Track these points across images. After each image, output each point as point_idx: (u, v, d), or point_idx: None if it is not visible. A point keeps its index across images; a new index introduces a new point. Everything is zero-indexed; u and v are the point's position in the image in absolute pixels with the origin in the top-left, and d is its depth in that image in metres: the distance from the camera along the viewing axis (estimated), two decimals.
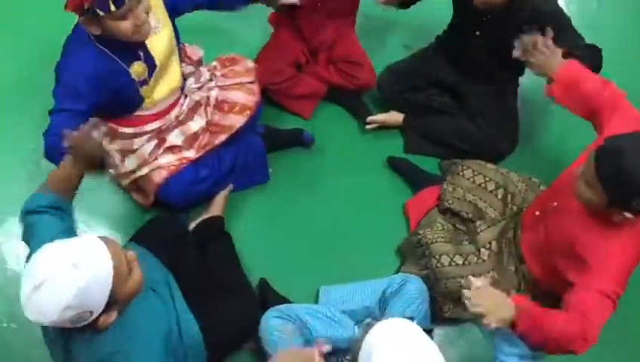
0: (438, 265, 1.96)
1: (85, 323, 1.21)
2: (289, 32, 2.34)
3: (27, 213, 1.50)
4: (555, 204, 1.75)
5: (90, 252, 1.21)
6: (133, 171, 1.98)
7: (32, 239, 1.43)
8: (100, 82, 1.69)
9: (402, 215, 2.32)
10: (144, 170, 2.00)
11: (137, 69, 1.78)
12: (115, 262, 1.22)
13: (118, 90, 1.76)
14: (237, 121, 2.06)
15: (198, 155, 2.03)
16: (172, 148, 2.02)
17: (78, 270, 1.17)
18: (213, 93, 2.06)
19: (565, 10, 2.85)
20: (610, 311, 1.53)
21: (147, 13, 1.65)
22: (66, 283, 1.16)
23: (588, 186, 1.48)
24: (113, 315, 1.26)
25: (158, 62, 1.82)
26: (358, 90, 2.47)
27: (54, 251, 1.20)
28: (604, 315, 1.51)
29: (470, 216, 2.06)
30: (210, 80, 2.08)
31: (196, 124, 2.01)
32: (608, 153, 1.43)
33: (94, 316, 1.21)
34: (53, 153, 1.67)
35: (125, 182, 2.04)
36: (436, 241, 2.01)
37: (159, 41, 1.80)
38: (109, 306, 1.23)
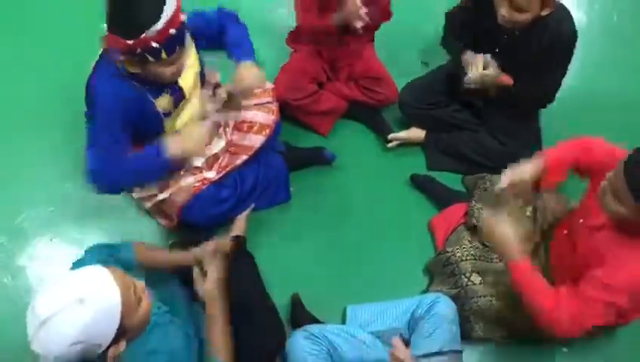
0: (469, 283, 1.92)
1: (94, 356, 1.18)
2: (308, 50, 2.35)
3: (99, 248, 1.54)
4: (582, 221, 1.71)
5: (97, 285, 1.17)
6: (156, 194, 1.98)
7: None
8: (125, 108, 1.70)
9: (427, 232, 2.29)
10: (166, 193, 1.99)
11: (163, 101, 1.79)
12: (122, 293, 1.19)
13: (140, 120, 1.77)
14: (256, 140, 2.05)
15: (219, 176, 2.02)
16: (193, 170, 2.02)
17: (83, 306, 1.13)
18: (232, 114, 2.06)
19: (585, 20, 2.91)
20: (601, 316, 1.53)
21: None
22: (72, 320, 1.13)
23: (617, 199, 1.45)
24: (122, 345, 1.23)
25: (187, 93, 1.84)
26: (379, 106, 2.47)
27: (59, 285, 1.17)
28: (587, 312, 1.53)
29: None
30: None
31: (216, 145, 2.01)
32: (638, 164, 1.40)
33: (103, 348, 1.19)
34: (115, 186, 1.81)
35: (148, 205, 2.04)
36: (466, 259, 1.98)
37: (188, 73, 1.81)
38: (117, 337, 1.20)
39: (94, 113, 1.71)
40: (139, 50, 1.54)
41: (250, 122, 2.08)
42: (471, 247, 2.02)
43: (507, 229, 1.66)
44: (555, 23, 1.93)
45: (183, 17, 1.59)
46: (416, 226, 2.31)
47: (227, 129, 2.06)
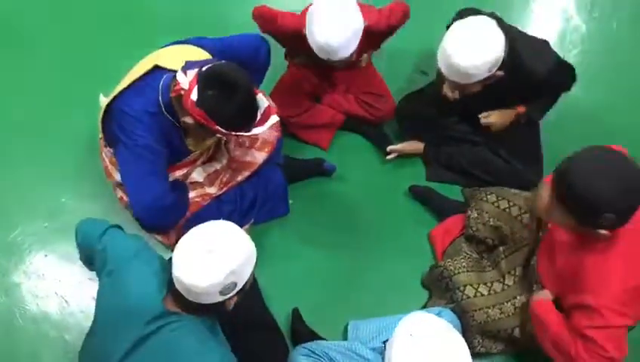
0: (464, 297, 1.91)
1: (230, 294, 1.36)
2: (305, 65, 2.32)
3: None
4: (553, 236, 1.73)
5: (248, 236, 1.42)
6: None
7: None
8: (166, 143, 1.75)
9: (428, 244, 2.27)
10: None
11: (193, 141, 1.85)
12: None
13: (171, 152, 1.80)
14: (259, 157, 2.04)
15: (220, 192, 2.00)
16: (194, 185, 2.00)
17: (245, 241, 1.38)
18: None
19: (584, 29, 2.90)
20: (617, 329, 1.52)
21: None
22: (238, 250, 1.35)
23: (560, 211, 1.50)
24: (233, 301, 1.41)
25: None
26: (378, 122, 2.45)
27: (225, 224, 1.40)
28: (607, 337, 1.52)
29: (495, 242, 2.01)
30: None
31: (218, 162, 2.00)
32: (560, 176, 1.46)
33: (236, 290, 1.37)
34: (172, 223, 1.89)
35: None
36: (458, 272, 1.96)
37: None
38: (245, 285, 1.40)
39: (138, 144, 1.72)
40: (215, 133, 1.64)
41: (253, 138, 2.06)
42: (463, 259, 2.01)
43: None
44: (527, 66, 1.92)
45: (274, 118, 1.68)
46: (416, 238, 2.29)
47: (229, 145, 2.04)
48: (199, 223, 1.92)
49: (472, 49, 1.79)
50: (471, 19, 1.85)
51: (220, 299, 1.36)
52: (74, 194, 2.30)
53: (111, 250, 1.53)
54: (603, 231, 1.46)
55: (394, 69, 2.61)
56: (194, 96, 1.56)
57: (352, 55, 1.96)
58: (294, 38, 2.03)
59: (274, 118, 1.63)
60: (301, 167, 2.35)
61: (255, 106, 1.63)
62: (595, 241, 1.53)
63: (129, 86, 1.73)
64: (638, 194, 1.42)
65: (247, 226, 2.13)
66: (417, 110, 2.35)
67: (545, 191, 1.53)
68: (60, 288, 2.13)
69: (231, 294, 1.37)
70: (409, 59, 2.72)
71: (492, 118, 2.12)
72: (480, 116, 2.12)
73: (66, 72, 2.60)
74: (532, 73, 1.93)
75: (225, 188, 2.01)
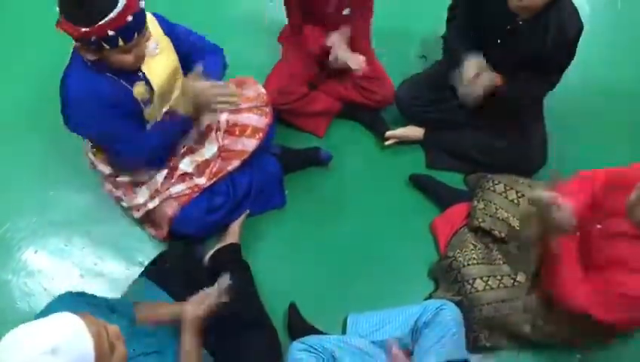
0: (472, 290, 1.85)
1: None
2: (301, 49, 2.24)
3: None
4: (599, 226, 1.65)
5: (70, 333, 1.06)
6: (145, 203, 1.90)
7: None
8: (111, 105, 1.64)
9: (429, 234, 2.21)
10: (156, 201, 1.92)
11: (139, 89, 1.70)
12: (95, 342, 1.07)
13: (126, 113, 1.70)
14: (249, 144, 1.96)
15: (210, 183, 1.93)
16: (183, 176, 1.94)
17: (56, 356, 1.02)
18: (224, 117, 1.97)
19: (587, 8, 2.82)
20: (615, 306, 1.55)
21: (147, 41, 1.60)
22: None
23: None
24: None
25: (155, 86, 1.73)
26: (377, 107, 2.37)
27: (29, 333, 1.05)
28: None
29: (503, 235, 1.95)
30: None
31: (207, 150, 1.93)
32: None
33: None
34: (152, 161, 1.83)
35: (137, 214, 1.95)
36: (468, 264, 1.91)
37: (157, 63, 1.72)
38: None
39: (72, 114, 1.65)
40: (94, 38, 1.46)
41: (243, 125, 1.99)
42: (473, 250, 1.95)
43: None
44: (560, 19, 1.83)
45: (142, 4, 1.51)
46: (417, 228, 2.23)
47: (219, 133, 1.97)
48: (190, 216, 1.92)
49: None
50: None
51: None
52: (62, 187, 2.23)
53: None
54: None
55: (393, 54, 2.53)
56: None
57: None
58: None
59: None
60: (296, 157, 2.28)
61: None
62: None
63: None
64: None
65: (241, 218, 2.08)
66: (418, 94, 2.26)
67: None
68: (51, 285, 2.08)
69: None
70: (408, 43, 2.63)
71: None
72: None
73: (55, 65, 2.52)
74: (564, 29, 1.84)
75: (215, 179, 1.94)
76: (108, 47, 1.49)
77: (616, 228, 1.58)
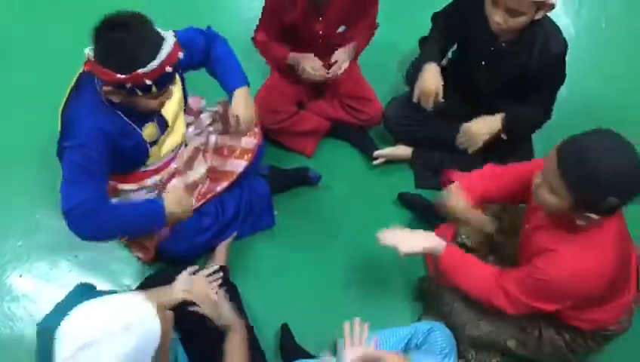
0: (453, 311, 1.83)
1: None
2: (289, 70, 2.24)
3: None
4: (527, 226, 1.68)
5: (142, 312, 1.14)
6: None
7: None
8: (107, 144, 1.59)
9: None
10: None
11: (150, 130, 1.70)
12: (161, 322, 1.16)
13: (128, 152, 1.67)
14: (238, 165, 1.96)
15: (198, 204, 1.92)
16: None
17: (129, 332, 1.09)
18: (212, 139, 1.96)
19: (572, 28, 2.86)
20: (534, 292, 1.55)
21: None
22: (116, 346, 1.09)
23: (551, 192, 1.43)
24: None
25: (170, 123, 1.75)
26: (364, 126, 2.38)
27: (103, 309, 1.13)
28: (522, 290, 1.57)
29: (486, 251, 1.94)
30: (211, 124, 1.99)
31: (196, 172, 1.91)
32: (574, 154, 1.37)
33: None
34: (98, 232, 1.63)
35: (124, 237, 1.92)
36: (447, 285, 1.88)
37: (171, 102, 1.72)
38: None
39: (73, 145, 1.57)
40: (129, 85, 1.45)
41: (231, 146, 1.98)
42: None
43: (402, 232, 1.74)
44: (543, 37, 1.86)
45: (181, 55, 1.50)
46: None
47: (207, 154, 1.96)
48: (177, 238, 1.90)
49: None
50: None
51: None
52: (48, 210, 2.20)
53: None
54: (594, 216, 1.40)
55: (381, 73, 2.55)
56: (91, 56, 1.45)
57: None
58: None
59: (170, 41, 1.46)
60: (285, 177, 2.28)
61: (145, 40, 1.43)
62: (572, 232, 1.48)
63: (72, 88, 1.63)
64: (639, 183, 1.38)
65: (228, 240, 2.06)
66: (405, 113, 2.27)
67: (545, 173, 1.45)
68: (36, 310, 2.04)
69: None
70: (396, 61, 2.65)
71: (473, 127, 2.02)
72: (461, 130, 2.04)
73: (40, 82, 2.51)
74: (545, 50, 1.86)
75: (203, 200, 1.92)
76: (141, 93, 1.47)
77: (535, 223, 1.60)
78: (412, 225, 2.26)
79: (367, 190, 2.36)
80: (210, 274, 1.71)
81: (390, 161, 2.37)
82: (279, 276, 2.15)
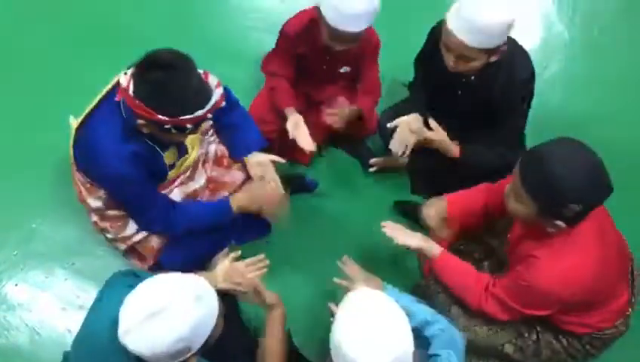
0: (450, 317, 1.83)
1: (184, 357, 1.22)
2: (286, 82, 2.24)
3: None
4: (510, 235, 1.74)
5: (209, 288, 1.25)
6: (132, 235, 1.87)
7: None
8: (141, 163, 1.63)
9: (415, 259, 2.21)
10: (143, 233, 1.89)
11: (170, 155, 1.73)
12: (219, 300, 1.27)
13: (150, 173, 1.70)
14: (238, 176, 1.96)
15: None
16: None
17: (199, 303, 1.19)
18: (212, 148, 1.96)
19: (566, 35, 2.88)
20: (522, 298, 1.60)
21: None
22: (187, 314, 1.17)
23: (518, 200, 1.49)
24: (193, 360, 1.26)
25: (190, 149, 1.80)
26: (361, 137, 2.39)
27: (176, 281, 1.21)
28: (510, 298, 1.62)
29: (482, 256, 1.95)
30: (211, 134, 1.99)
31: (196, 182, 1.91)
32: (531, 162, 1.44)
33: (190, 354, 1.22)
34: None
35: (122, 246, 1.92)
36: (443, 291, 1.89)
37: None
38: (202, 347, 1.25)
39: (114, 175, 1.61)
40: (168, 126, 1.47)
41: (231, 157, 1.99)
42: None
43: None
44: (509, 66, 1.88)
45: (223, 104, 1.53)
46: (404, 254, 2.23)
47: (207, 165, 1.96)
48: (176, 248, 1.90)
49: (492, 6, 1.71)
50: None
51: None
52: (45, 220, 2.21)
53: None
54: (561, 224, 1.45)
55: None
56: (131, 89, 1.45)
57: (361, 33, 1.93)
58: (306, 35, 2.05)
59: (218, 93, 1.50)
60: (282, 184, 2.27)
61: (193, 85, 1.46)
62: (549, 237, 1.52)
63: (96, 106, 1.65)
64: (604, 189, 1.43)
65: (226, 250, 2.06)
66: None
67: (512, 182, 1.52)
68: (32, 319, 2.04)
69: (185, 357, 1.23)
70: (390, 71, 2.67)
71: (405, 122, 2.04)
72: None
73: (38, 93, 2.51)
74: (513, 78, 1.89)
75: None
76: (175, 132, 1.50)
77: (517, 232, 1.67)
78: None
79: (364, 197, 2.38)
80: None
81: (386, 169, 2.38)
82: (276, 284, 2.12)
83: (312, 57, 2.13)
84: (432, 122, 2.03)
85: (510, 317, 1.68)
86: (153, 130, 1.53)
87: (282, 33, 2.12)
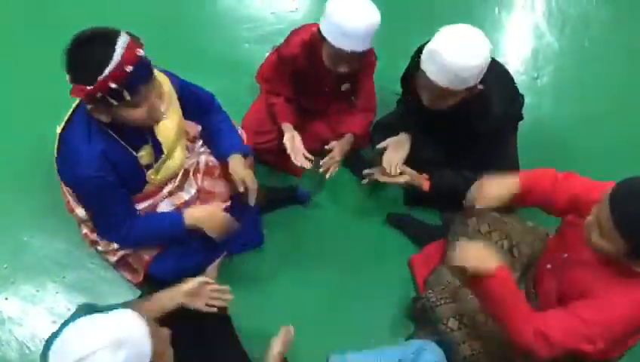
0: (447, 330, 1.83)
1: None
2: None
3: None
4: (566, 255, 1.65)
5: (133, 330, 1.13)
6: (120, 248, 1.85)
7: None
8: (112, 169, 1.62)
9: (409, 272, 2.21)
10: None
11: (145, 154, 1.70)
12: (152, 342, 1.14)
13: (126, 176, 1.68)
14: (229, 187, 1.94)
15: None
16: None
17: (119, 350, 1.09)
18: (203, 158, 1.95)
19: (556, 45, 2.91)
20: (569, 333, 1.45)
21: (159, 98, 1.58)
22: None
23: (602, 236, 1.38)
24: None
25: (165, 148, 1.74)
26: (355, 148, 2.38)
27: (94, 326, 1.12)
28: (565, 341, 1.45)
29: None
30: (201, 145, 1.98)
31: (186, 193, 1.90)
32: (625, 198, 1.32)
33: None
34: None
35: (113, 259, 1.91)
36: (441, 304, 1.89)
37: (167, 126, 1.71)
38: None
39: (83, 175, 1.59)
40: (99, 95, 1.43)
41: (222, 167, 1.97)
42: (445, 288, 1.93)
43: (481, 247, 1.56)
44: (482, 100, 1.88)
45: (140, 52, 1.47)
46: (397, 266, 2.24)
47: (198, 175, 1.95)
48: (167, 260, 1.89)
49: (466, 50, 1.71)
50: (460, 25, 1.78)
51: None
52: (37, 232, 2.19)
53: None
54: None
55: None
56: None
57: (364, 53, 1.94)
58: (306, 59, 2.06)
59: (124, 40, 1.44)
60: (275, 196, 2.28)
61: (94, 48, 1.42)
62: (632, 271, 1.42)
63: (73, 112, 1.64)
64: None
65: (217, 261, 2.05)
66: (392, 134, 2.28)
67: (597, 215, 1.40)
68: (22, 333, 2.02)
69: None
70: (382, 83, 2.67)
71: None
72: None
73: (27, 103, 2.49)
74: (483, 118, 1.90)
75: None
76: (115, 102, 1.46)
77: (581, 256, 1.54)
78: (403, 244, 2.28)
79: (357, 208, 2.38)
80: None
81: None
82: (269, 295, 2.15)
83: (314, 79, 2.13)
84: (403, 167, 2.10)
85: (552, 354, 1.50)
86: (105, 113, 1.51)
87: (280, 58, 2.12)
